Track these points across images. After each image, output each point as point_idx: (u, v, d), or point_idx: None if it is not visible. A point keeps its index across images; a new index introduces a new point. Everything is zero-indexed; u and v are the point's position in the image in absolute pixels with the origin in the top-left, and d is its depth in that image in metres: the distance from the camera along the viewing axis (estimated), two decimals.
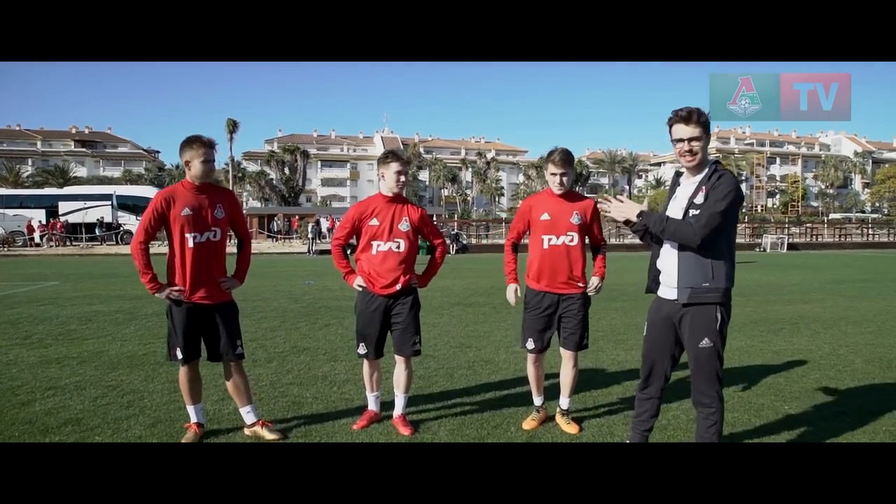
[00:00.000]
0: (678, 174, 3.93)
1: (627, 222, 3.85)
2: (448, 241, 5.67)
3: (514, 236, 5.12)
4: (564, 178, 4.76)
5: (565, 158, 4.74)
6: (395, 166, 4.76)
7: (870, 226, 60.78)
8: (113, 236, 41.51)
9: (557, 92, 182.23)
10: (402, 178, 4.80)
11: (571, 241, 4.80)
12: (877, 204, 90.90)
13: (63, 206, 42.39)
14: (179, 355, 4.48)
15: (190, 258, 4.40)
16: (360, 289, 4.87)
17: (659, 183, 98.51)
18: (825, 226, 58.83)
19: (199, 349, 4.57)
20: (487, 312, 11.16)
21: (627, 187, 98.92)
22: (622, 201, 3.86)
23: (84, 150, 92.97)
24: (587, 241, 4.96)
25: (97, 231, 41.43)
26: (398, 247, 4.80)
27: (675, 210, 3.73)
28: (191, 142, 4.38)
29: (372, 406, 5.07)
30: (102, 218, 42.16)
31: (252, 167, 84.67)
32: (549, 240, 4.82)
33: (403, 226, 4.81)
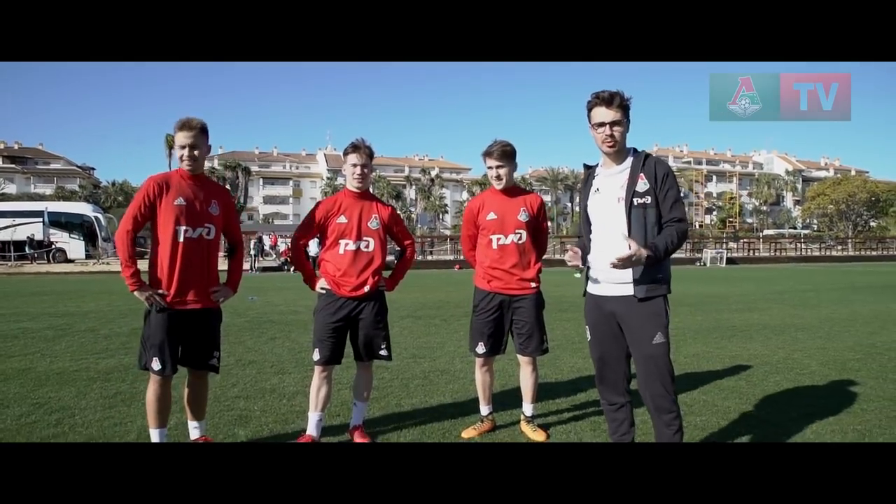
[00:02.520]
0: (589, 167, 3.75)
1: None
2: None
3: (471, 245, 4.87)
4: (501, 171, 4.54)
5: (503, 151, 4.52)
6: (352, 158, 4.42)
7: (803, 241, 63.09)
8: (44, 255, 39.58)
9: (501, 110, 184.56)
10: (361, 172, 4.43)
11: (520, 239, 4.60)
12: (807, 220, 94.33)
13: None
14: (157, 366, 3.89)
15: (180, 255, 3.89)
16: (324, 292, 4.48)
17: None
18: (761, 241, 60.83)
19: (178, 362, 4.04)
20: (438, 324, 10.95)
21: (570, 204, 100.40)
22: (630, 248, 3.20)
23: (13, 166, 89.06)
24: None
25: (27, 249, 39.25)
26: (367, 246, 4.46)
27: (607, 203, 3.50)
28: (176, 125, 3.94)
29: (311, 430, 4.48)
30: (33, 235, 39.91)
31: None
32: (498, 239, 4.62)
33: (373, 224, 4.48)
